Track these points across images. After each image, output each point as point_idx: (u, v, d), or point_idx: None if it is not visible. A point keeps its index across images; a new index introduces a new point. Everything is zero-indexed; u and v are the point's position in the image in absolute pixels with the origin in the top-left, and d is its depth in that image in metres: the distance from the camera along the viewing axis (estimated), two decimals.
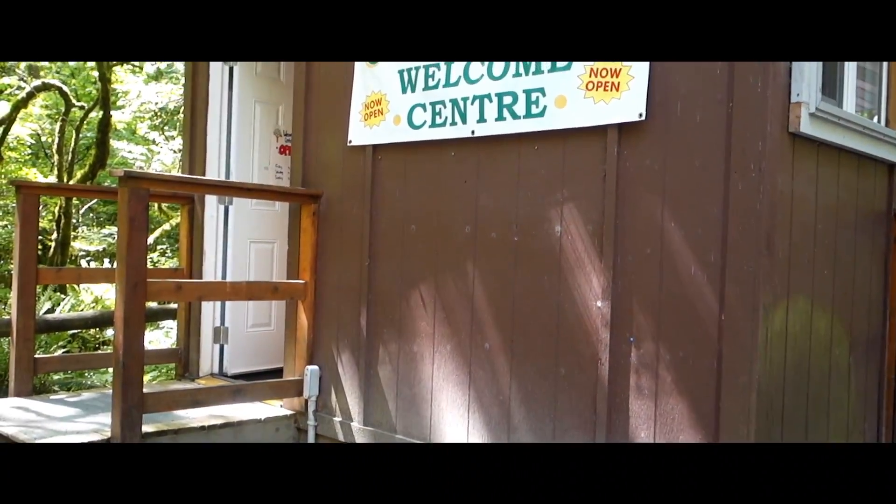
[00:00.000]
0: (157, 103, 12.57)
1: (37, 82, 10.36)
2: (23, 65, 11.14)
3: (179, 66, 12.34)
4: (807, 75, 2.92)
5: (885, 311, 3.85)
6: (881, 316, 3.84)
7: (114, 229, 12.25)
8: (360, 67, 4.15)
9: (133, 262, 3.59)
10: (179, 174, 5.11)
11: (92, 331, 8.28)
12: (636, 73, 3.11)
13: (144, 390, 3.66)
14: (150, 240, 10.60)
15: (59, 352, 7.46)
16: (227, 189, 4.49)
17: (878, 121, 3.95)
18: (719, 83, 2.92)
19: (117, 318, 3.64)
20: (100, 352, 7.89)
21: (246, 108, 5.36)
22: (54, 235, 10.12)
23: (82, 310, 8.79)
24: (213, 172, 5.23)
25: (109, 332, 8.23)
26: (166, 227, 11.87)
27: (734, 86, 2.88)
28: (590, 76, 3.24)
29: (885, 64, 3.97)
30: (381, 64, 4.03)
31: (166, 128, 13.07)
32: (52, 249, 10.05)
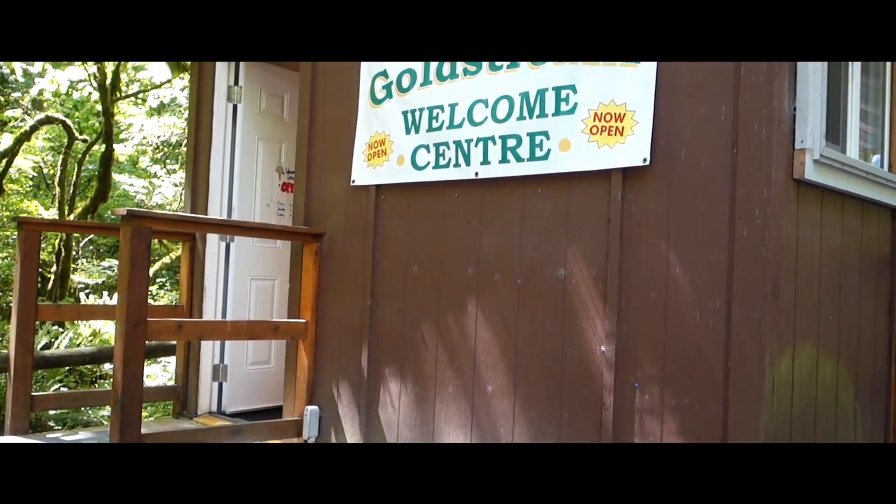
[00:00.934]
0: (158, 137, 12.63)
1: (40, 115, 10.41)
2: (27, 98, 11.21)
3: (182, 100, 12.43)
4: (811, 122, 2.93)
5: (890, 355, 3.83)
6: (886, 361, 3.82)
7: (114, 262, 12.23)
8: (363, 107, 4.17)
9: (134, 301, 3.57)
10: (182, 213, 5.12)
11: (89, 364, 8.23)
12: (640, 118, 3.12)
13: (142, 430, 3.62)
14: (150, 272, 10.56)
15: (56, 386, 7.41)
16: (230, 228, 4.49)
17: (881, 159, 3.95)
18: (723, 129, 2.93)
19: (117, 357, 3.60)
20: (98, 389, 7.82)
21: (249, 145, 5.38)
22: (54, 268, 10.10)
23: (80, 343, 8.74)
24: (216, 209, 5.24)
25: (107, 366, 8.17)
26: (166, 259, 11.85)
27: (738, 132, 2.89)
28: (594, 120, 3.25)
29: (887, 107, 3.99)
30: (385, 104, 4.04)
31: (168, 161, 13.12)
32: (51, 282, 10.02)
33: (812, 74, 2.95)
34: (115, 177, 11.95)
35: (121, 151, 12.59)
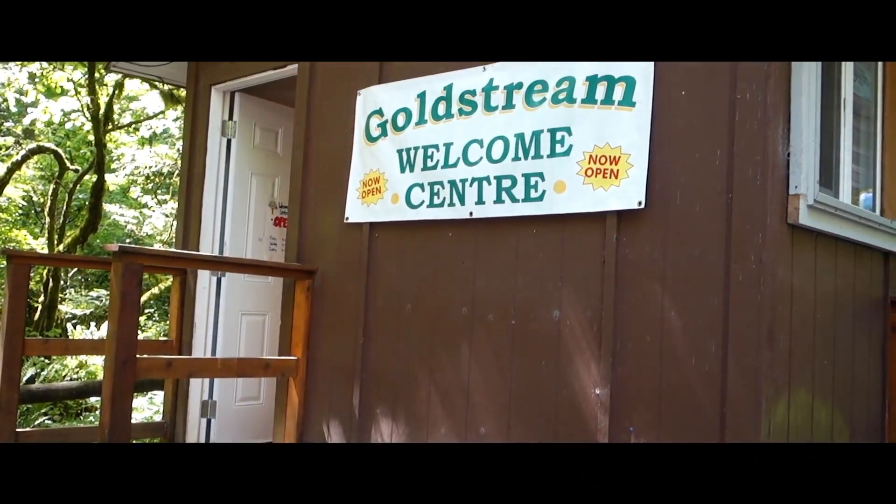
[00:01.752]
0: (149, 167, 12.62)
1: (32, 145, 10.39)
2: (20, 127, 11.21)
3: (175, 130, 12.44)
4: (804, 167, 2.95)
5: (884, 399, 3.81)
6: (880, 404, 3.81)
7: (102, 291, 12.15)
8: (358, 145, 4.18)
9: (124, 338, 3.52)
10: (174, 250, 5.10)
11: None
12: (635, 161, 3.12)
13: None
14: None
15: (41, 419, 7.30)
16: (222, 265, 4.47)
17: (872, 198, 3.96)
18: (718, 174, 2.94)
19: (105, 394, 3.55)
20: (84, 425, 7.71)
21: (242, 179, 5.38)
22: (41, 298, 10.01)
23: (66, 375, 8.64)
24: (208, 243, 5.21)
25: (93, 399, 8.07)
26: (154, 290, 11.78)
27: (733, 177, 2.90)
28: (589, 162, 3.25)
29: (878, 150, 4.02)
30: (379, 142, 4.05)
31: (159, 191, 13.10)
32: (38, 312, 9.93)
33: (805, 120, 2.97)
34: (106, 206, 11.91)
35: (112, 181, 12.56)
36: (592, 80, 3.27)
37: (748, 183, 2.86)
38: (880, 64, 3.89)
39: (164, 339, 5.39)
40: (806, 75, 3.00)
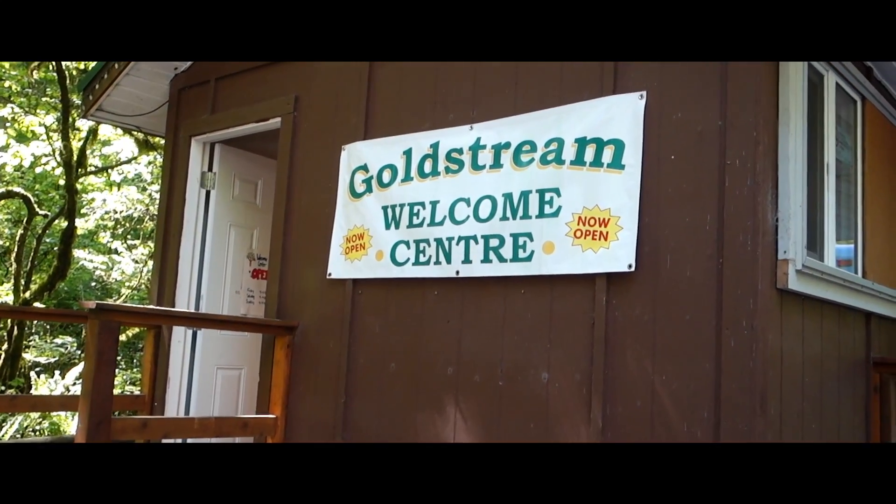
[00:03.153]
0: (120, 211, 12.44)
1: (0, 190, 10.21)
2: None
3: (147, 175, 12.32)
4: (793, 233, 2.97)
5: None
6: None
7: (67, 339, 11.87)
8: (342, 200, 4.14)
9: (98, 399, 3.41)
10: (153, 307, 4.98)
11: None
12: (625, 224, 3.12)
13: None
14: None
15: None
16: (201, 322, 4.37)
17: (854, 258, 3.98)
18: (709, 239, 2.94)
19: None
20: None
21: (221, 231, 5.31)
22: (5, 346, 9.74)
23: (28, 426, 8.36)
24: (184, 296, 5.11)
25: None
26: (122, 338, 11.53)
27: (723, 242, 2.90)
28: (578, 224, 3.25)
29: (859, 212, 4.06)
30: (364, 198, 4.02)
31: (129, 237, 12.91)
32: (1, 361, 9.65)
33: (793, 186, 3.00)
34: (74, 252, 11.69)
35: (81, 225, 12.36)
36: (581, 142, 3.28)
37: (739, 248, 2.87)
38: (860, 128, 3.96)
39: (137, 393, 5.24)
40: (793, 141, 3.03)
